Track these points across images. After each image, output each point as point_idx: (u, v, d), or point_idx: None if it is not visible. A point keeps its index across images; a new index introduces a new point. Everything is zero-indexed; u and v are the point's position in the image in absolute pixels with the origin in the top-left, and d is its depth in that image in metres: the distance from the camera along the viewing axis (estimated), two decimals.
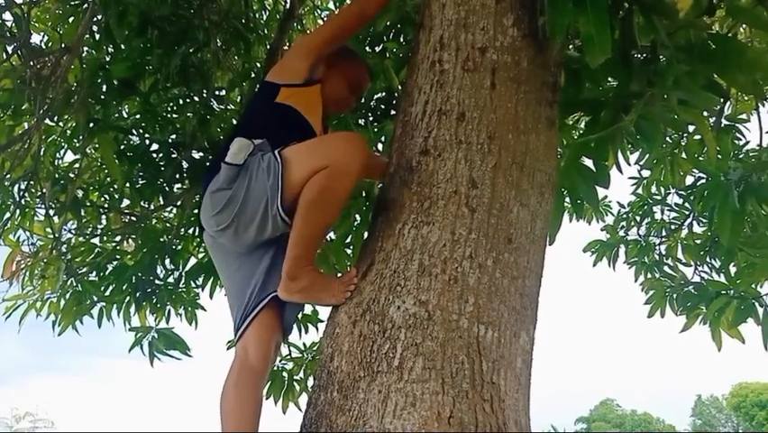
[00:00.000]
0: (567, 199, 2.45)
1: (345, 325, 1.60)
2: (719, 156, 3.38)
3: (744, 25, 2.76)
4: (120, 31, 3.05)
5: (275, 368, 3.78)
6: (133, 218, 3.85)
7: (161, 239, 3.85)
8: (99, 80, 3.33)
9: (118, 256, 3.89)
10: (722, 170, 2.92)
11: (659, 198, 5.05)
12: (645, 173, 4.89)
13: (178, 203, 3.92)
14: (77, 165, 3.71)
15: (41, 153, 3.48)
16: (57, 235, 3.66)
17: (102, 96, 3.36)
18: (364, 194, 3.09)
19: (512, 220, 1.64)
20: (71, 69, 3.31)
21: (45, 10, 3.60)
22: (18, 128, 3.40)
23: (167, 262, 3.82)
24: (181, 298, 3.96)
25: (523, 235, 1.65)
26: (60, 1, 3.43)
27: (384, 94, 3.35)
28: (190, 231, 3.90)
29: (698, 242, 4.63)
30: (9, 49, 3.06)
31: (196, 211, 2.01)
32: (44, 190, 3.61)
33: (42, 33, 3.60)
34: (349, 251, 3.38)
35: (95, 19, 3.22)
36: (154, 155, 3.67)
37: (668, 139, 4.00)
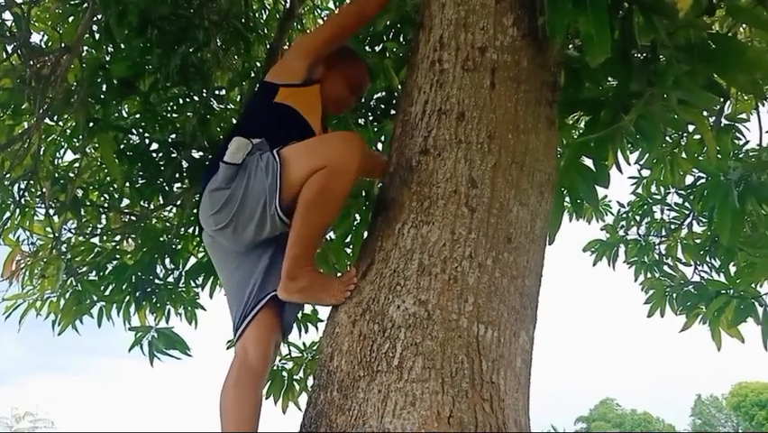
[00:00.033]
0: (567, 199, 2.45)
1: (345, 324, 1.60)
2: (719, 156, 3.38)
3: (744, 25, 2.76)
4: (120, 30, 3.05)
5: (275, 368, 3.78)
6: (133, 218, 3.85)
7: (161, 238, 3.85)
8: (99, 80, 3.33)
9: (118, 256, 3.89)
10: (722, 170, 2.92)
11: (659, 197, 5.05)
12: (645, 173, 4.90)
13: (178, 202, 3.92)
14: (76, 164, 3.71)
15: (41, 153, 3.48)
16: (57, 235, 3.66)
17: (102, 96, 3.36)
18: (364, 193, 3.09)
19: (512, 220, 1.64)
20: (71, 69, 3.31)
21: (45, 9, 3.59)
22: (18, 127, 3.40)
23: (167, 261, 3.82)
24: (181, 297, 3.96)
25: (522, 235, 1.65)
26: (60, 0, 3.43)
27: (384, 93, 3.35)
28: (190, 230, 3.90)
29: (697, 241, 4.63)
30: (9, 48, 3.06)
31: (195, 210, 2.01)
32: (44, 190, 3.61)
33: (42, 33, 3.60)
34: (349, 250, 3.38)
35: (95, 18, 3.22)
36: (154, 155, 3.67)
37: (668, 139, 4.00)
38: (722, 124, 3.52)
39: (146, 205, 3.84)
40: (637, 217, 5.23)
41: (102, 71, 3.30)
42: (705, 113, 2.70)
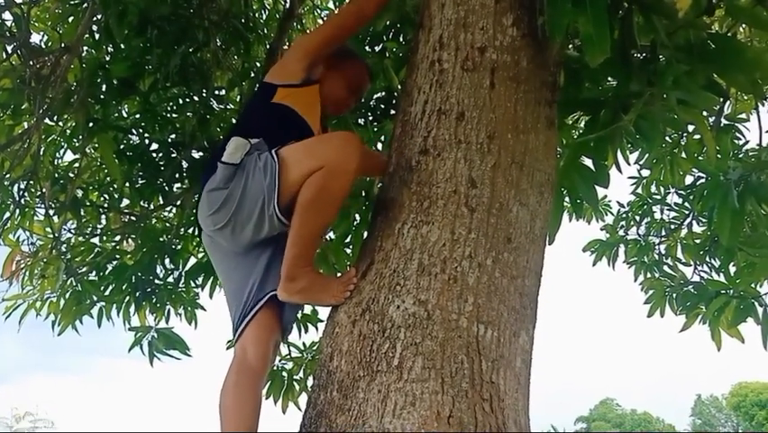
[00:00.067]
0: (567, 199, 2.45)
1: (345, 324, 1.60)
2: (719, 156, 3.38)
3: (743, 25, 2.76)
4: (120, 30, 3.05)
5: (274, 368, 3.78)
6: (133, 218, 3.85)
7: (161, 239, 3.85)
8: (99, 80, 3.32)
9: (118, 256, 3.88)
10: (722, 170, 2.92)
11: (658, 197, 5.05)
12: (645, 173, 4.89)
13: (178, 203, 3.92)
14: (76, 165, 3.70)
15: (41, 153, 3.47)
16: (56, 235, 3.66)
17: (102, 96, 3.36)
18: (364, 193, 3.09)
19: (511, 220, 1.64)
20: (71, 69, 3.31)
21: (45, 9, 3.59)
22: (18, 128, 3.40)
23: (166, 261, 3.82)
24: (181, 297, 3.96)
25: (522, 235, 1.66)
26: (60, 0, 3.43)
27: (384, 94, 3.35)
28: (190, 231, 3.89)
29: (697, 241, 4.63)
30: (9, 48, 3.06)
31: (195, 211, 2.01)
32: (44, 190, 3.60)
33: (42, 33, 3.59)
34: (348, 250, 3.37)
35: (94, 18, 3.22)
36: (154, 155, 3.66)
37: (668, 139, 4.00)
38: (722, 124, 3.52)
39: (146, 205, 3.84)
40: (637, 217, 5.23)
41: (102, 71, 3.30)
42: (705, 113, 2.70)
